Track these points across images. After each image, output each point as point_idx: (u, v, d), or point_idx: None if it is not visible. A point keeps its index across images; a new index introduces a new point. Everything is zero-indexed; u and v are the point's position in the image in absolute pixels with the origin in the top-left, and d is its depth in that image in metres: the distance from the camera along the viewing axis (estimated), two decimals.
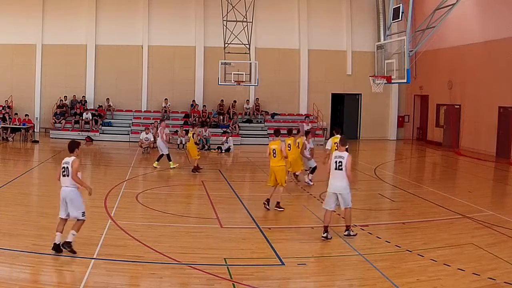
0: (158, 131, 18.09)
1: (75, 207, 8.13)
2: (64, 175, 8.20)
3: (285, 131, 13.90)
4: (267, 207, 11.61)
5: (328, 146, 12.87)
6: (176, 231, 9.82)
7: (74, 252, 8.02)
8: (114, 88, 28.11)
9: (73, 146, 8.39)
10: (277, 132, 12.15)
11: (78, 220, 8.20)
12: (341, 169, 9.20)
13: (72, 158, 8.24)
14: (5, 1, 26.99)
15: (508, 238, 9.66)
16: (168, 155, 17.44)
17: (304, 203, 12.38)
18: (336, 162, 9.29)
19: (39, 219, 10.05)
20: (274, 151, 11.52)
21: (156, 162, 17.42)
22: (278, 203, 11.62)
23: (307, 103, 29.48)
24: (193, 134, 17.87)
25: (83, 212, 8.23)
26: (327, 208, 9.38)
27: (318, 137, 26.77)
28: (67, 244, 8.02)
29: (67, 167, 8.16)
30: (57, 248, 8.00)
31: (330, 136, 14.37)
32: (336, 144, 12.10)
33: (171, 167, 17.25)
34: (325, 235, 9.30)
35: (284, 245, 9.23)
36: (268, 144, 12.07)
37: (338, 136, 12.66)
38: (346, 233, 9.50)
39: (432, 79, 27.68)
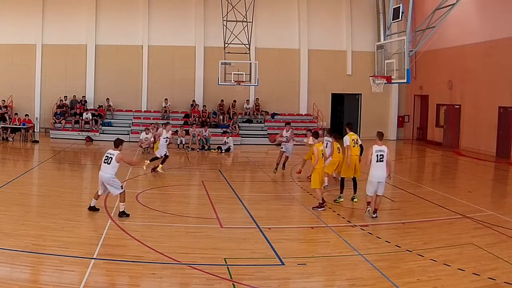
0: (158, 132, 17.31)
1: (113, 188, 10.21)
2: (105, 163, 10.16)
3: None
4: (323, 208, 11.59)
5: (347, 143, 12.44)
6: (176, 231, 9.81)
7: (128, 215, 10.21)
8: (114, 88, 28.11)
9: (117, 142, 10.40)
10: (316, 134, 12.12)
11: (120, 194, 10.23)
12: (382, 161, 10.59)
13: (117, 152, 10.23)
14: (5, 1, 27.00)
15: (508, 238, 9.66)
16: (157, 158, 16.59)
17: (304, 203, 12.37)
18: (377, 155, 10.62)
19: (39, 219, 10.04)
20: (322, 152, 11.50)
21: (160, 165, 16.43)
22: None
23: (307, 103, 29.49)
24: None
25: (122, 186, 10.34)
26: (371, 195, 10.74)
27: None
28: (123, 213, 10.19)
29: (111, 157, 10.12)
30: (92, 208, 10.52)
31: (332, 134, 14.13)
32: (353, 141, 12.40)
33: (159, 170, 16.40)
34: (375, 215, 10.75)
35: (284, 245, 9.22)
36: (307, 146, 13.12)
37: (352, 133, 12.63)
38: (375, 215, 10.79)
39: (432, 79, 27.69)
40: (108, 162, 10.16)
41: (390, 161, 10.90)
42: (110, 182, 10.21)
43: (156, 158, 16.47)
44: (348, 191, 12.70)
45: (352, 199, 12.58)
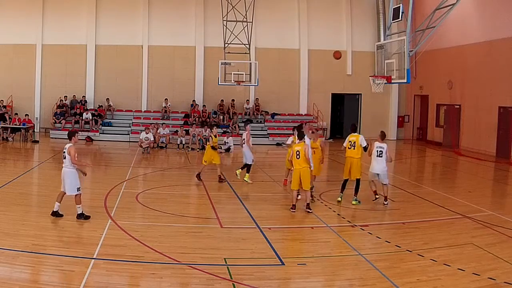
0: (245, 135, 15.45)
1: (68, 185, 9.97)
2: (63, 158, 10.14)
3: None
4: (293, 211, 11.41)
5: (344, 144, 12.64)
6: (176, 231, 9.82)
7: (88, 217, 10.05)
8: (114, 88, 28.10)
9: (69, 135, 10.44)
10: (300, 135, 11.76)
11: (75, 195, 10.00)
12: (381, 156, 12.04)
13: (69, 144, 10.12)
14: (5, 1, 27.00)
15: (508, 238, 9.66)
16: (249, 166, 15.20)
17: (304, 202, 12.34)
18: (377, 151, 12.09)
19: (39, 219, 10.04)
20: (298, 153, 11.27)
21: (239, 169, 15.31)
22: (308, 204, 11.43)
23: (307, 103, 29.48)
24: (210, 137, 15.48)
25: (78, 188, 10.03)
26: (372, 180, 12.38)
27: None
28: (79, 216, 10.01)
29: (65, 152, 10.07)
30: (54, 214, 10.07)
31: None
32: (350, 142, 12.46)
33: (246, 179, 15.04)
34: (377, 197, 12.42)
35: (284, 245, 9.24)
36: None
37: (353, 134, 12.55)
38: (386, 202, 12.31)
39: (432, 79, 27.69)
40: (64, 156, 10.09)
41: (391, 156, 12.55)
42: (66, 176, 9.99)
43: (247, 165, 15.22)
44: (349, 191, 12.71)
45: (352, 200, 12.49)
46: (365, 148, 12.36)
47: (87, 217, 10.05)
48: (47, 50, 27.52)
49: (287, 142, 14.22)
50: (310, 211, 11.33)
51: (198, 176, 14.89)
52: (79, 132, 11.10)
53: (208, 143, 15.17)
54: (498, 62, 22.05)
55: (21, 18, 27.02)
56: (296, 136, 11.89)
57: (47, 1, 27.47)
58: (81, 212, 10.05)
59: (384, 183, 12.25)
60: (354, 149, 12.38)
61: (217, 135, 15.18)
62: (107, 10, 27.92)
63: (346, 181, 12.58)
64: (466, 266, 7.94)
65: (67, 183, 9.97)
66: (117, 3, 28.15)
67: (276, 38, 29.01)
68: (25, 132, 24.49)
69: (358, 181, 12.40)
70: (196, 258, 8.14)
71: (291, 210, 11.45)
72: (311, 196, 12.18)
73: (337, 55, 14.05)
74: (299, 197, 12.04)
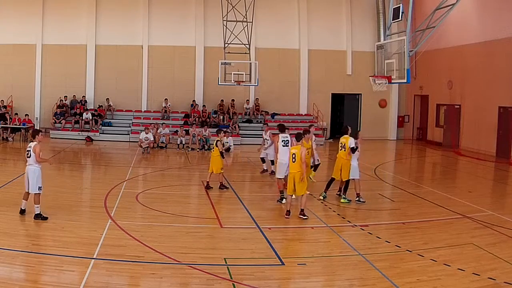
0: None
1: (32, 182, 9.93)
2: (28, 156, 10.11)
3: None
4: (288, 217, 10.92)
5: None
6: (176, 231, 9.81)
7: (46, 218, 9.84)
8: (114, 88, 28.10)
9: (34, 133, 10.52)
10: (298, 137, 11.26)
11: (35, 194, 9.91)
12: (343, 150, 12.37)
13: (34, 143, 10.15)
14: (5, 1, 26.99)
15: (508, 238, 9.66)
16: (317, 166, 14.66)
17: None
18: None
19: (39, 219, 10.03)
20: (294, 156, 10.72)
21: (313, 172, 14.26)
22: (302, 210, 10.88)
23: (307, 103, 29.48)
24: (217, 141, 13.76)
25: (40, 187, 10.00)
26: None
27: (318, 137, 26.80)
28: (36, 216, 9.85)
29: (30, 150, 10.05)
30: (22, 212, 10.11)
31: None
32: (340, 144, 12.56)
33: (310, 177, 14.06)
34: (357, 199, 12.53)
35: (284, 245, 9.23)
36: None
37: (344, 136, 12.58)
38: (356, 199, 12.39)
39: (432, 79, 27.69)
40: (28, 155, 10.06)
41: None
42: (31, 173, 9.95)
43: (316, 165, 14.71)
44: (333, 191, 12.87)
45: (341, 199, 12.63)
46: (352, 150, 12.21)
47: (44, 218, 9.85)
48: (47, 50, 27.51)
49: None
50: (305, 217, 10.79)
51: (222, 185, 13.96)
52: (43, 131, 11.48)
53: (215, 148, 13.84)
54: (498, 62, 22.05)
55: (21, 18, 26.99)
56: (295, 138, 11.40)
57: (47, 1, 27.45)
58: (39, 212, 9.88)
59: (352, 177, 12.30)
60: (344, 150, 12.42)
61: (222, 140, 14.07)
62: (107, 10, 27.91)
63: (332, 180, 12.75)
64: (466, 266, 7.94)
65: (30, 181, 9.93)
66: (117, 3, 28.14)
67: (276, 38, 29.00)
68: (25, 132, 24.47)
69: (346, 182, 12.50)
70: (196, 258, 8.14)
71: (285, 216, 10.92)
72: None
73: (383, 103, 13.91)
74: (284, 201, 11.91)
